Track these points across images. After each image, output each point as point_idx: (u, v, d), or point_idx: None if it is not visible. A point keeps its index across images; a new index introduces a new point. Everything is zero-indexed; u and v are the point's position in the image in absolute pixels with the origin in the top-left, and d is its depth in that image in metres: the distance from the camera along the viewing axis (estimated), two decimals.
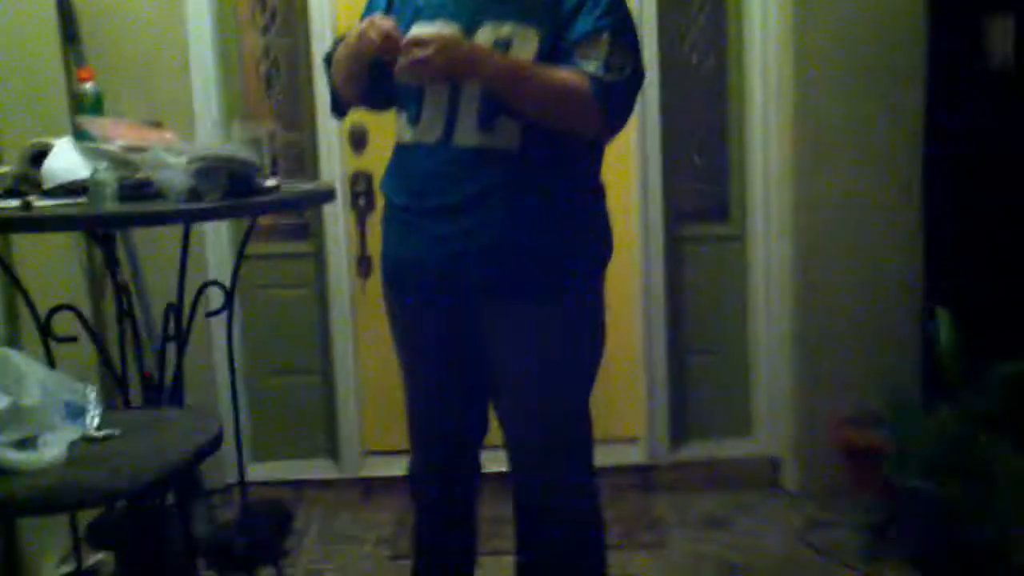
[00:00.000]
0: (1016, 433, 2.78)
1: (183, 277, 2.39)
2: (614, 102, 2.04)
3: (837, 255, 3.50)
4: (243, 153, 2.20)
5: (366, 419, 3.69)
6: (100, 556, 2.93)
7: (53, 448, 1.73)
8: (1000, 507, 2.74)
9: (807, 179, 3.48)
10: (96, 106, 2.58)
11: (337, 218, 3.59)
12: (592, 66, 2.00)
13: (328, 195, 2.56)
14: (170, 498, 2.36)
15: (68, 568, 2.87)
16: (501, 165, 2.06)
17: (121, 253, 3.00)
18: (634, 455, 3.71)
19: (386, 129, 2.37)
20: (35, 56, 3.07)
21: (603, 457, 2.41)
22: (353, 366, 3.66)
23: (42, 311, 2.37)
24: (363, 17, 2.14)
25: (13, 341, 2.69)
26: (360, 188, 3.61)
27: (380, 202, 2.53)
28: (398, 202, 2.21)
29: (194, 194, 2.11)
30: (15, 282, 2.44)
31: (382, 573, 3.13)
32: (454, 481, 2.41)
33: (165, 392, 2.47)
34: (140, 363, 2.58)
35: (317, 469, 3.70)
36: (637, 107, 2.21)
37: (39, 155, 2.27)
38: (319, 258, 3.68)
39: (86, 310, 2.85)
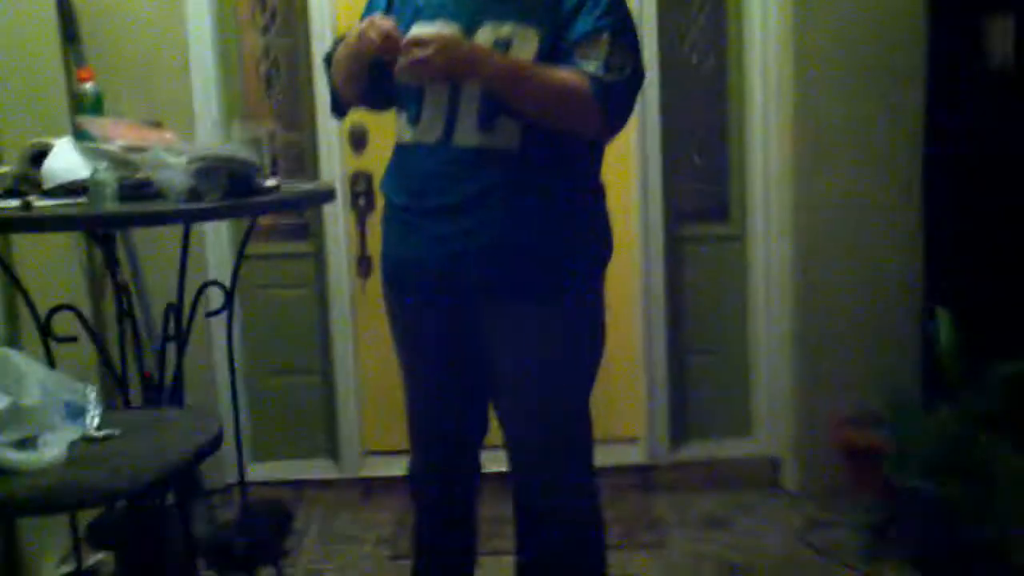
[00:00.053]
0: (1016, 433, 2.78)
1: (183, 277, 2.39)
2: (614, 102, 2.04)
3: (837, 255, 3.50)
4: (243, 153, 2.20)
5: (366, 419, 3.69)
6: (100, 556, 2.93)
7: (53, 448, 1.73)
8: (1000, 507, 2.74)
9: (807, 179, 3.48)
10: (96, 106, 2.58)
11: (337, 218, 3.59)
12: (592, 66, 2.00)
13: (328, 195, 2.56)
14: (170, 498, 2.36)
15: (68, 568, 2.87)
16: (501, 165, 2.06)
17: (121, 253, 3.00)
18: (634, 455, 3.71)
19: (386, 129, 2.37)
20: (35, 56, 3.07)
21: (603, 457, 2.41)
22: (353, 366, 3.66)
23: (42, 311, 2.37)
24: (363, 17, 2.14)
25: (13, 341, 2.69)
26: (360, 188, 3.61)
27: (380, 202, 2.53)
28: (398, 202, 2.21)
29: (194, 194, 2.11)
30: (15, 282, 2.44)
31: (382, 573, 3.13)
32: (454, 481, 2.40)
33: (165, 392, 2.47)
34: (140, 363, 2.58)
35: (317, 469, 3.70)
36: (637, 107, 2.21)
37: (39, 155, 2.27)
38: (319, 258, 3.68)
39: (86, 310, 2.85)
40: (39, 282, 2.57)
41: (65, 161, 2.23)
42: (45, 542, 2.89)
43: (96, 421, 1.89)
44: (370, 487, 3.64)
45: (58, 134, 2.35)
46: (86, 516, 2.73)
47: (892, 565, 3.02)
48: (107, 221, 2.28)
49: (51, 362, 2.33)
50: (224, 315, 2.65)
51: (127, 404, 2.48)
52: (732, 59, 3.67)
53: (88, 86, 2.67)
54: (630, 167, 3.59)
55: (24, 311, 2.46)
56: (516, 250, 2.08)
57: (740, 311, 3.76)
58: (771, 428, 3.72)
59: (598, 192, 2.23)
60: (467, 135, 2.06)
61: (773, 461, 3.70)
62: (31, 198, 2.14)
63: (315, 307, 3.71)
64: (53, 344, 2.37)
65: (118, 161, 2.22)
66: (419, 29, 1.98)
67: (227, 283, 2.62)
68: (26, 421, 1.71)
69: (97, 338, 2.55)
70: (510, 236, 2.07)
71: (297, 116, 3.65)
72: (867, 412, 3.32)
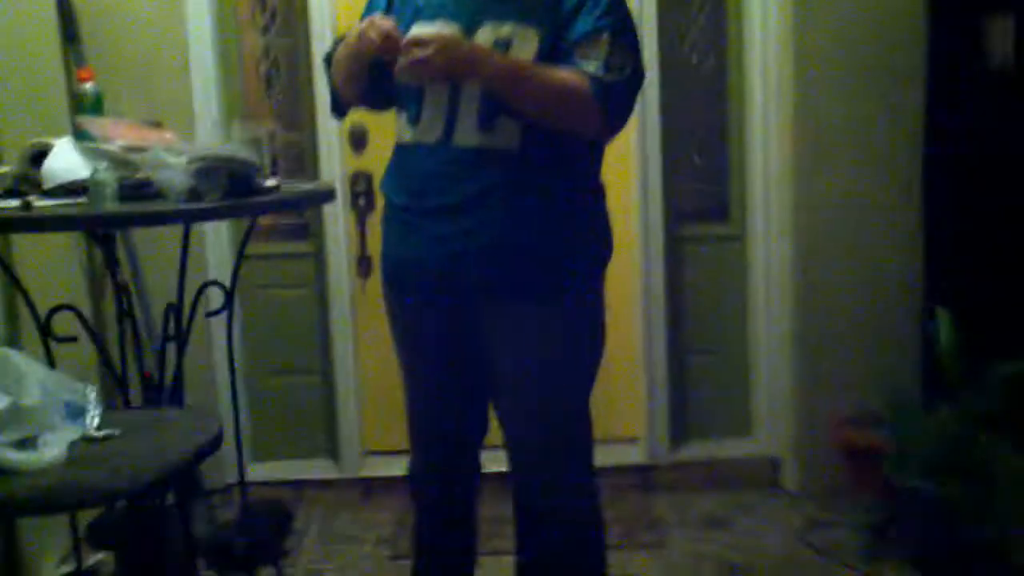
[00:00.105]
0: (1016, 433, 2.78)
1: (183, 277, 2.39)
2: (614, 102, 2.04)
3: (837, 255, 3.50)
4: (243, 153, 2.20)
5: (366, 419, 3.69)
6: (100, 556, 2.93)
7: (53, 448, 1.72)
8: (1000, 507, 2.74)
9: (807, 179, 3.48)
10: (96, 106, 2.58)
11: (337, 218, 3.59)
12: (592, 66, 2.00)
13: (328, 195, 2.56)
14: (170, 498, 2.36)
15: (68, 568, 2.87)
16: (501, 165, 2.06)
17: (121, 253, 3.00)
18: (634, 455, 3.71)
19: (386, 129, 2.37)
20: (35, 56, 3.07)
21: (603, 457, 2.41)
22: (353, 366, 3.66)
23: (42, 311, 2.37)
24: (363, 17, 2.14)
25: (13, 341, 2.69)
26: (360, 188, 3.61)
27: (380, 202, 2.53)
28: (398, 202, 2.21)
29: (194, 194, 2.11)
30: (15, 282, 2.44)
31: (382, 573, 3.13)
32: (454, 481, 2.40)
33: (165, 392, 2.47)
34: (140, 363, 2.58)
35: (317, 469, 3.70)
36: (637, 107, 2.21)
37: (39, 155, 2.27)
38: (319, 258, 3.68)
39: (86, 310, 2.85)
40: (39, 282, 2.57)
41: (65, 161, 2.23)
42: (45, 542, 2.89)
43: (96, 421, 1.89)
44: (370, 487, 3.63)
45: (58, 134, 2.35)
46: (86, 516, 2.73)
47: (892, 565, 3.02)
48: (107, 221, 2.28)
49: (51, 362, 2.33)
50: (224, 315, 2.65)
51: (127, 404, 2.48)
52: (732, 59, 3.67)
53: (88, 86, 2.67)
54: (630, 167, 3.59)
55: (24, 311, 2.46)
56: (516, 250, 2.08)
57: (740, 311, 3.76)
58: (771, 428, 3.72)
59: (598, 192, 2.23)
60: (467, 135, 2.06)
61: (773, 461, 3.70)
62: (31, 198, 2.14)
63: (315, 307, 3.71)
64: (53, 344, 2.37)
65: (118, 161, 2.22)
66: (419, 29, 1.98)
67: (227, 283, 2.62)
68: (26, 421, 1.71)
69: (97, 338, 2.55)
70: (510, 236, 2.07)
71: (297, 116, 3.65)
72: (867, 412, 3.32)
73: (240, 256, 2.63)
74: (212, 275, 3.06)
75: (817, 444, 3.50)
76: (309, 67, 3.52)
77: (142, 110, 2.99)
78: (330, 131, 3.54)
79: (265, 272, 3.67)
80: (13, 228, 2.42)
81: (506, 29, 2.04)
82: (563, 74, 2.00)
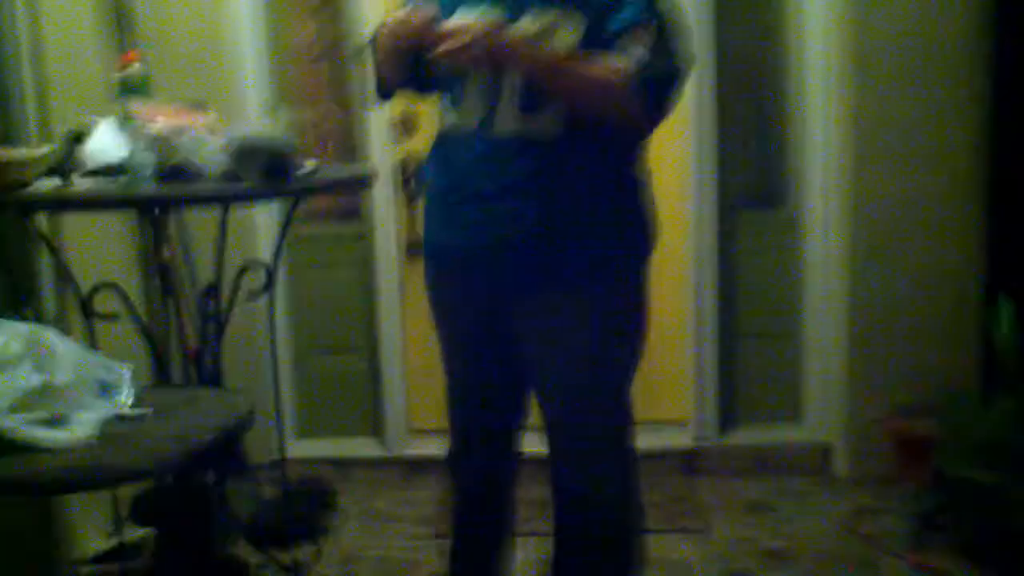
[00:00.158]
0: None
1: (222, 257, 2.41)
2: (655, 93, 2.00)
3: (894, 246, 3.43)
4: (283, 136, 2.21)
5: (411, 399, 3.71)
6: (142, 532, 2.97)
7: (83, 427, 1.75)
8: None
9: (866, 169, 3.42)
10: (142, 88, 2.59)
11: (387, 201, 3.60)
12: (635, 56, 1.96)
13: (366, 180, 2.56)
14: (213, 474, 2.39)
15: (110, 544, 2.91)
16: (541, 152, 2.03)
17: (172, 232, 3.02)
18: (682, 438, 3.68)
19: (430, 116, 2.35)
20: (82, 37, 3.10)
21: (649, 440, 2.39)
22: (399, 346, 3.68)
23: (89, 289, 2.40)
24: (407, 2, 2.13)
25: (60, 319, 2.73)
26: (410, 172, 3.61)
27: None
28: (439, 187, 2.20)
29: (232, 176, 2.12)
30: (59, 261, 2.48)
31: (422, 552, 3.13)
32: (491, 464, 2.39)
33: (206, 370, 2.50)
34: (184, 341, 2.61)
35: (362, 447, 3.73)
36: (693, 93, 2.16)
37: (81, 136, 2.30)
38: (368, 240, 3.69)
39: (134, 289, 2.88)
40: (87, 260, 2.60)
41: (106, 143, 2.25)
42: (86, 517, 2.92)
43: (130, 400, 1.90)
44: (413, 466, 3.65)
45: (102, 116, 2.38)
46: (129, 491, 2.77)
47: (940, 552, 2.96)
48: (144, 202, 2.31)
49: (93, 340, 2.36)
50: (274, 295, 2.66)
51: (168, 382, 2.51)
52: (791, 47, 3.59)
53: (134, 68, 2.69)
54: (686, 153, 3.56)
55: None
56: (556, 237, 2.06)
57: (793, 297, 3.70)
58: (822, 415, 3.66)
59: (641, 179, 2.20)
60: (508, 121, 2.04)
61: (823, 448, 3.64)
62: (72, 178, 2.17)
63: (363, 288, 3.73)
64: (97, 322, 2.40)
65: (158, 143, 2.24)
66: (461, 16, 1.97)
67: (277, 263, 2.63)
68: (56, 399, 1.74)
69: (139, 317, 2.58)
70: (550, 223, 2.05)
71: (346, 100, 3.64)
72: (920, 401, 3.26)
73: (281, 237, 2.64)
74: (263, 255, 3.08)
75: (868, 432, 3.45)
76: (355, 53, 3.52)
77: (188, 93, 2.99)
78: (380, 115, 3.54)
79: (314, 253, 3.70)
80: (54, 207, 2.46)
81: (550, 17, 2.01)
82: (605, 64, 1.96)
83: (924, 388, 3.22)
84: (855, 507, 3.33)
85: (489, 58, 1.94)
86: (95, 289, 2.40)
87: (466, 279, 2.19)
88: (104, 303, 2.44)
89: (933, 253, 3.42)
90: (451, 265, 2.20)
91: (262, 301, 2.67)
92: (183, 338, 2.60)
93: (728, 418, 3.72)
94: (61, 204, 2.25)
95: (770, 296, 3.72)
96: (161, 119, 2.34)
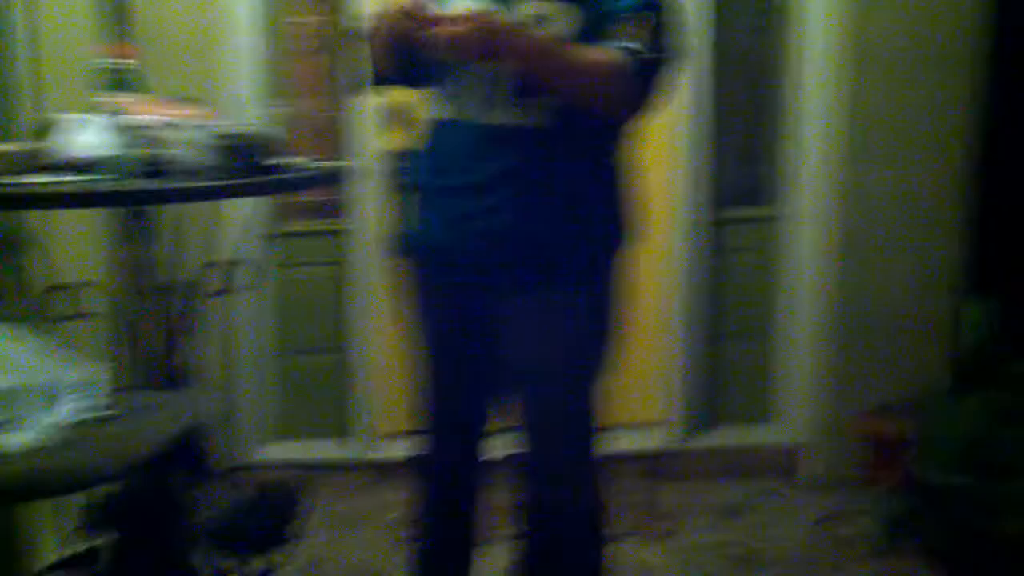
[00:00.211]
0: None
1: (203, 255, 2.37)
2: (649, 84, 1.99)
3: (877, 244, 3.45)
4: (264, 130, 2.18)
5: (381, 401, 3.67)
6: (101, 538, 2.91)
7: (38, 431, 1.70)
8: (1021, 501, 2.68)
9: (852, 165, 3.42)
10: (134, 82, 2.53)
11: (367, 196, 3.56)
12: (630, 46, 1.95)
13: (346, 174, 2.52)
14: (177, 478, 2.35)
15: (70, 551, 2.85)
16: (530, 143, 2.02)
17: (144, 228, 2.97)
18: (652, 441, 3.67)
19: (421, 107, 2.32)
20: (73, 30, 3.03)
21: (620, 443, 2.36)
22: (373, 346, 3.63)
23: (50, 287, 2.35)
24: None
25: (22, 317, 2.68)
26: (398, 165, 3.56)
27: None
28: (421, 179, 2.18)
29: (211, 171, 2.08)
30: (18, 259, 2.42)
31: (391, 555, 3.11)
32: (458, 467, 2.38)
33: (177, 371, 2.46)
34: (155, 341, 2.56)
35: (331, 450, 3.69)
36: (686, 87, 2.15)
37: (54, 129, 2.24)
38: (346, 236, 3.64)
39: (101, 287, 2.82)
40: (54, 257, 2.54)
41: (83, 136, 2.20)
42: (44, 524, 2.86)
43: (93, 401, 1.86)
44: (382, 469, 3.61)
45: (86, 109, 2.32)
46: (88, 497, 2.71)
47: (910, 556, 2.96)
48: (122, 198, 2.24)
49: (59, 340, 2.31)
50: (245, 293, 2.62)
51: (134, 383, 2.46)
52: (786, 41, 3.59)
53: (125, 61, 2.62)
54: (677, 148, 3.55)
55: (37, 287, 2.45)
56: (538, 231, 2.05)
57: (770, 296, 3.70)
58: (793, 416, 3.66)
59: (619, 169, 2.18)
60: (498, 113, 2.03)
61: (794, 450, 3.64)
62: (45, 173, 2.12)
63: (340, 286, 3.68)
64: (63, 321, 2.35)
65: (139, 136, 2.19)
66: (454, 5, 1.94)
67: (248, 261, 2.58)
68: (8, 402, 1.68)
69: (104, 316, 2.53)
70: (533, 216, 2.04)
71: (333, 93, 3.60)
72: (892, 403, 3.26)
73: (260, 234, 2.58)
74: (237, 253, 3.02)
75: (838, 434, 3.45)
76: (348, 44, 3.47)
77: (179, 86, 2.95)
78: (365, 108, 3.49)
79: (294, 250, 3.65)
80: (28, 204, 2.38)
81: (546, 5, 1.99)
82: (599, 54, 1.95)
83: (900, 389, 3.21)
84: (828, 510, 3.32)
85: (483, 46, 1.91)
86: (57, 288, 2.35)
87: (443, 273, 2.18)
88: (69, 302, 2.39)
89: (917, 253, 3.45)
90: (427, 258, 2.19)
91: (240, 300, 2.63)
92: (151, 337, 2.55)
93: (700, 420, 3.71)
94: (36, 201, 2.17)
95: (747, 295, 3.71)
96: (145, 112, 2.28)
